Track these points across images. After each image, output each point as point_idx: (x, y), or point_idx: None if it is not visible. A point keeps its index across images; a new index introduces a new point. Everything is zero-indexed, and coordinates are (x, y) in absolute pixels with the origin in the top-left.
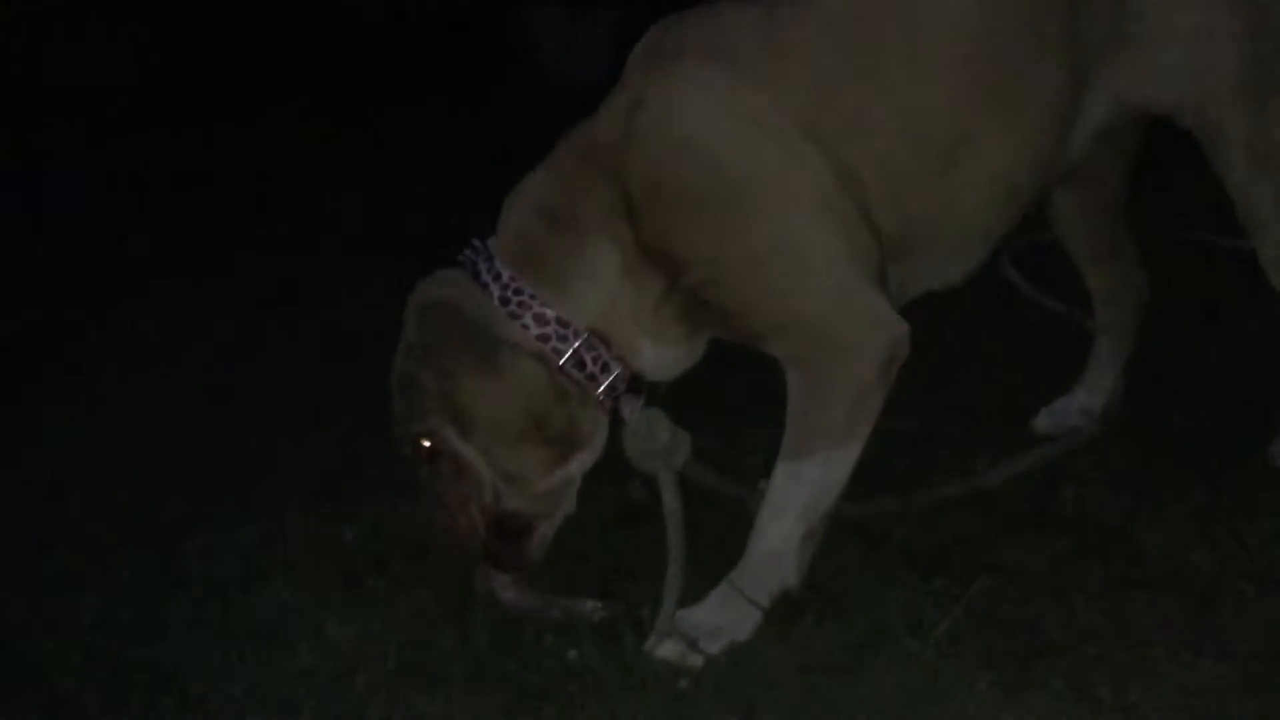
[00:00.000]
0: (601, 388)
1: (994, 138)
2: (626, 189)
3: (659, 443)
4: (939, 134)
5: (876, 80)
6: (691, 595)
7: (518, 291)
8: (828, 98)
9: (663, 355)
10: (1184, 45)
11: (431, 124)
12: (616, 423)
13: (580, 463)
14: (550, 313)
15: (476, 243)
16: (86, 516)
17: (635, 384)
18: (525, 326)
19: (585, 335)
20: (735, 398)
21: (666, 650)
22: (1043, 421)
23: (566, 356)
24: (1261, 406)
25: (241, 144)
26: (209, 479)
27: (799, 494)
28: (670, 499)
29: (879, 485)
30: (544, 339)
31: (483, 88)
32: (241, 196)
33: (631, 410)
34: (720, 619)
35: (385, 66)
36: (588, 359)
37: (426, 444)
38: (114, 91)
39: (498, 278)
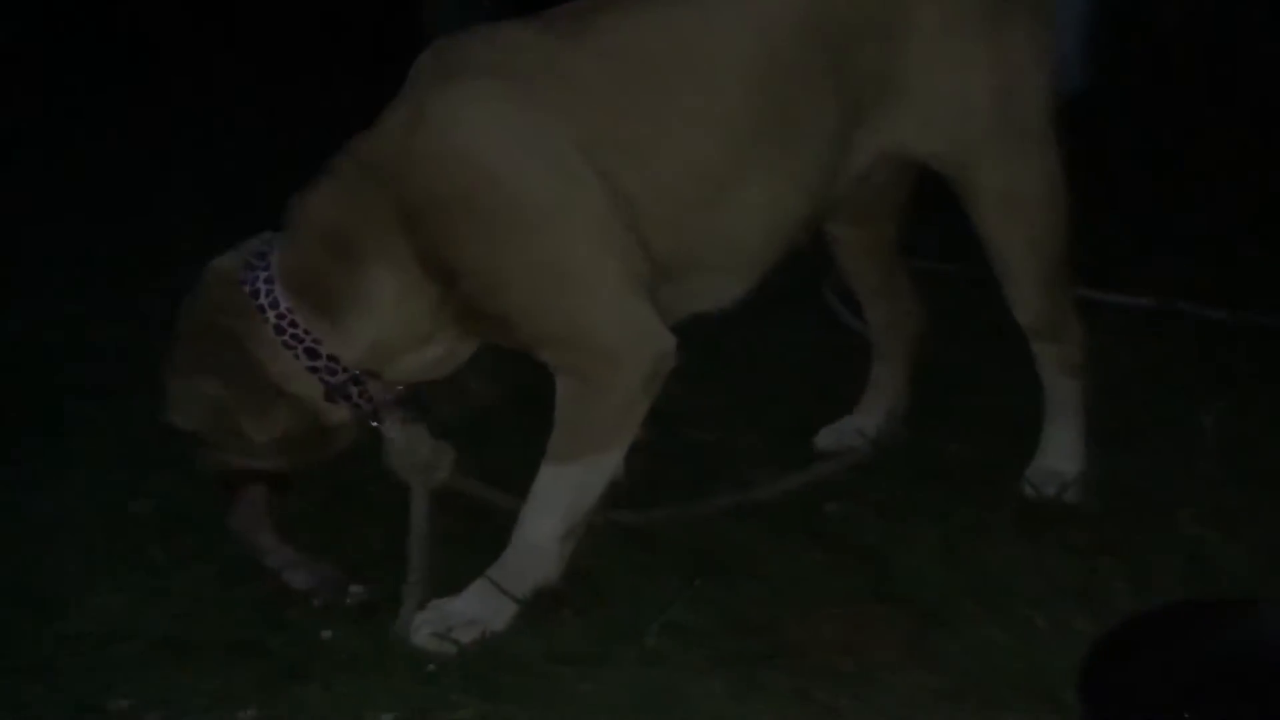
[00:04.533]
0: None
1: (764, 174)
2: (405, 201)
3: (418, 457)
4: (712, 167)
5: (651, 111)
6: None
7: (293, 324)
8: (603, 123)
9: (430, 358)
10: (943, 99)
11: (314, 97)
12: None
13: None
14: (323, 349)
15: (262, 249)
16: None
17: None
18: (296, 358)
19: (354, 373)
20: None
21: (421, 638)
22: (824, 439)
23: (333, 387)
24: (1031, 437)
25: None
26: (9, 440)
27: (561, 495)
28: (418, 513)
29: (666, 490)
30: (313, 370)
31: (367, 64)
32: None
33: (391, 426)
34: (476, 610)
35: (274, 37)
36: (354, 392)
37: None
38: None
39: (275, 305)
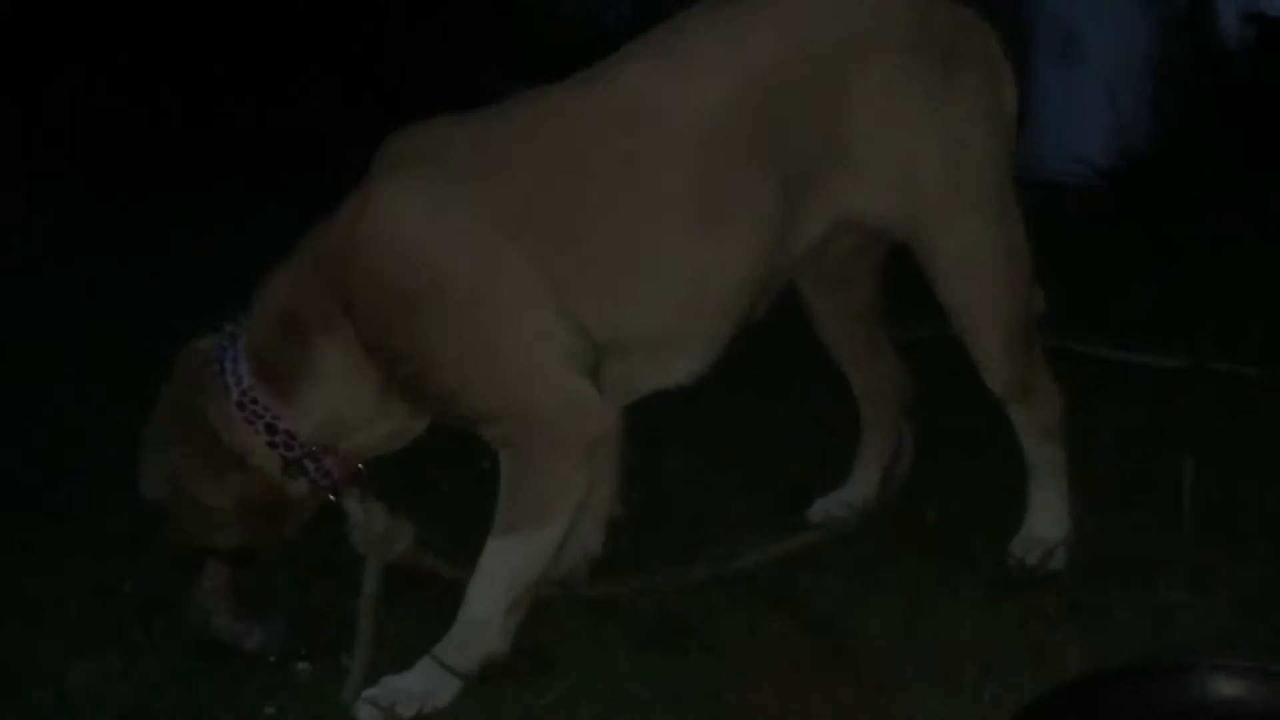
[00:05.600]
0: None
1: (700, 253)
2: (346, 287)
3: (374, 532)
4: (642, 248)
5: (578, 197)
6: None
7: (254, 400)
8: (527, 209)
9: (383, 433)
10: (889, 166)
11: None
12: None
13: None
14: (281, 424)
15: (233, 329)
16: None
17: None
18: (257, 433)
19: (310, 449)
20: None
21: (366, 714)
22: (815, 510)
23: (290, 464)
24: (1022, 503)
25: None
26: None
27: (503, 569)
28: (369, 586)
29: (647, 560)
30: (272, 445)
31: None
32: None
33: (349, 501)
34: (421, 686)
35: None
36: (310, 467)
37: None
38: None
39: (239, 381)
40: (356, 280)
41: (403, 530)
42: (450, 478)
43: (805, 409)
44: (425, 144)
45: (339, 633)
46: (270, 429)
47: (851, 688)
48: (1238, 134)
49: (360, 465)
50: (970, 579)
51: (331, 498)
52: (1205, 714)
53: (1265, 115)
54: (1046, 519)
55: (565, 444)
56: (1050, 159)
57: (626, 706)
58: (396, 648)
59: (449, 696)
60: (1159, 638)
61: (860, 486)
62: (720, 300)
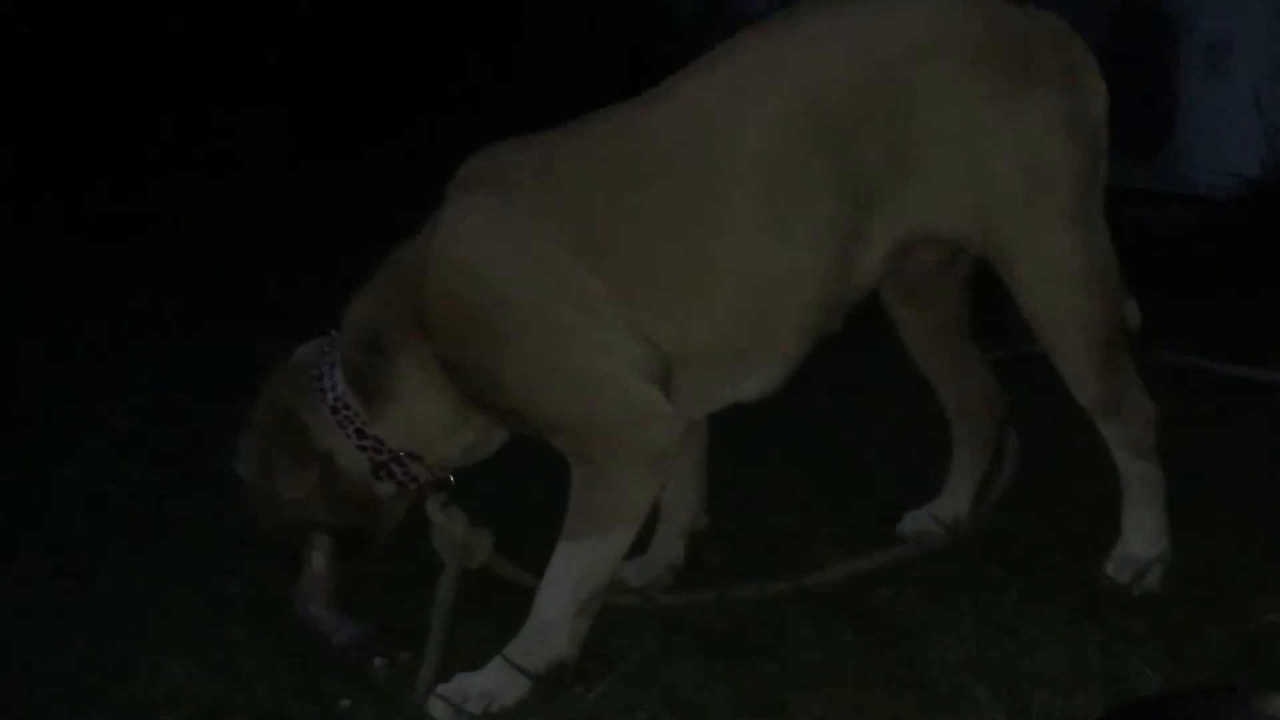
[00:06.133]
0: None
1: (766, 270)
2: (419, 305)
3: (455, 539)
4: (710, 267)
5: (645, 214)
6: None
7: (347, 406)
8: (595, 229)
9: (464, 443)
10: (960, 176)
11: None
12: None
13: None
14: (370, 430)
15: (336, 337)
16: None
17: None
18: (348, 436)
19: (398, 454)
20: None
21: (437, 710)
22: (905, 526)
23: (379, 467)
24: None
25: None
26: (135, 528)
27: (570, 574)
28: (444, 590)
29: (732, 575)
30: (362, 449)
31: None
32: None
33: (433, 507)
34: (490, 685)
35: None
36: (397, 471)
37: None
38: None
39: (334, 388)
40: (430, 300)
41: (482, 539)
42: (544, 486)
43: (898, 426)
44: (496, 166)
45: (419, 635)
46: (360, 434)
47: (916, 703)
48: None
49: (450, 476)
50: (1056, 599)
51: (418, 500)
52: None
53: None
54: (1140, 537)
55: (631, 454)
56: (1197, 171)
57: (687, 712)
58: (473, 651)
59: (517, 696)
60: (1248, 664)
61: (951, 502)
62: (786, 314)
